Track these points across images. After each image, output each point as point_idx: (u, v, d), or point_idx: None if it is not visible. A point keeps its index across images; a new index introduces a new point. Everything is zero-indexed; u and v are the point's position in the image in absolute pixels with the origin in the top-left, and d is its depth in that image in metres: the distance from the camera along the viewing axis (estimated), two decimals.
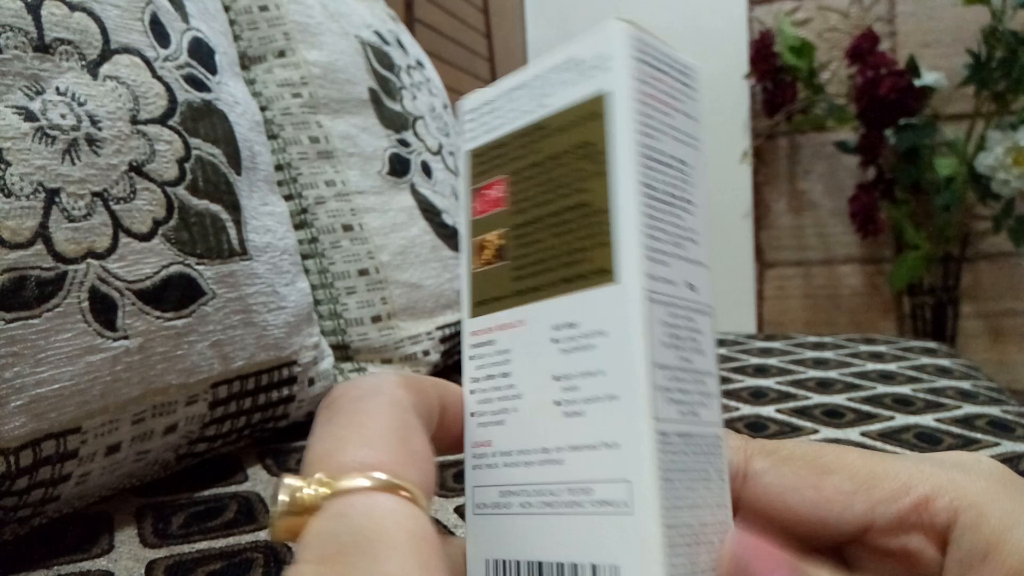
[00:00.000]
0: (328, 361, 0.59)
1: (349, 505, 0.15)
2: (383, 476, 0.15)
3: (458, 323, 0.72)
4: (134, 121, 0.43)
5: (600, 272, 0.18)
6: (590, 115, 0.19)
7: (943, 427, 0.53)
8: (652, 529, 0.16)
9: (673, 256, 0.18)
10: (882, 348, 0.86)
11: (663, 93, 0.19)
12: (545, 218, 0.20)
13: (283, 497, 0.16)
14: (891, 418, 0.56)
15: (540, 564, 0.18)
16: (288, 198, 0.66)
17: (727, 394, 0.66)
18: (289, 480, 0.16)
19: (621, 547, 0.16)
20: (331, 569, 0.14)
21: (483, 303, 0.21)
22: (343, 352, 0.65)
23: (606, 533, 0.17)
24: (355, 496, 0.15)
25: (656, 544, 0.16)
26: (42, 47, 0.39)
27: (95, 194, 0.39)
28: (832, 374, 0.72)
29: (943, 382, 0.68)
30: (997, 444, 0.49)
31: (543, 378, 0.19)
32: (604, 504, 0.17)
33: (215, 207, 0.47)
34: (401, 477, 0.15)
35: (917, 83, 1.51)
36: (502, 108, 0.22)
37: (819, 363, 0.78)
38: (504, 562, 0.19)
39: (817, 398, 0.63)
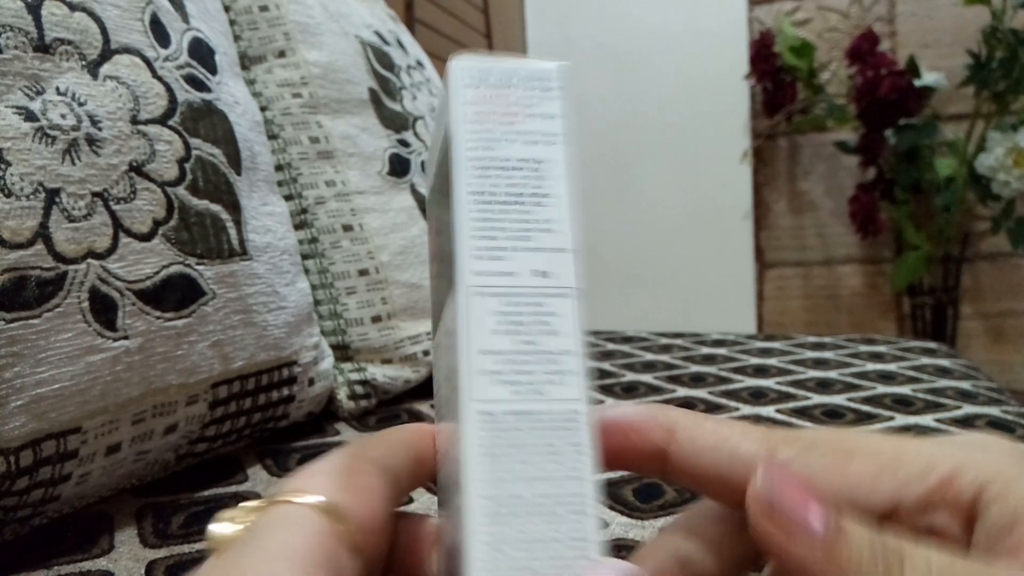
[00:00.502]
0: (328, 361, 0.59)
1: (262, 513, 0.18)
2: (295, 494, 0.18)
3: None
4: (134, 121, 0.43)
5: (451, 281, 0.21)
6: (446, 148, 0.22)
7: (943, 427, 0.53)
8: (469, 502, 0.18)
9: (515, 249, 0.21)
10: (882, 348, 0.86)
11: (506, 106, 0.22)
12: (444, 234, 0.23)
13: (213, 526, 0.19)
14: (891, 418, 0.56)
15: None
16: (288, 198, 0.66)
17: (727, 394, 0.66)
18: (222, 512, 0.19)
19: (460, 523, 0.18)
20: (219, 559, 0.16)
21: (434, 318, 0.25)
22: (343, 352, 0.65)
23: (457, 512, 0.19)
24: (270, 507, 0.18)
25: (471, 514, 0.18)
26: (42, 47, 0.39)
27: (95, 194, 0.39)
28: (832, 374, 0.72)
29: (943, 382, 0.68)
30: None
31: (442, 376, 0.22)
32: (456, 485, 0.19)
33: (215, 207, 0.47)
34: (312, 495, 0.18)
35: (917, 83, 1.51)
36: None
37: (819, 363, 0.78)
38: None
39: (817, 398, 0.63)
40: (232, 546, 0.17)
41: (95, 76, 0.42)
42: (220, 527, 0.19)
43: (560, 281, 0.20)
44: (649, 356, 0.87)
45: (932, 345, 0.88)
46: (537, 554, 0.18)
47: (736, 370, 0.76)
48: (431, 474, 0.22)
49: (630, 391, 0.69)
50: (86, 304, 0.38)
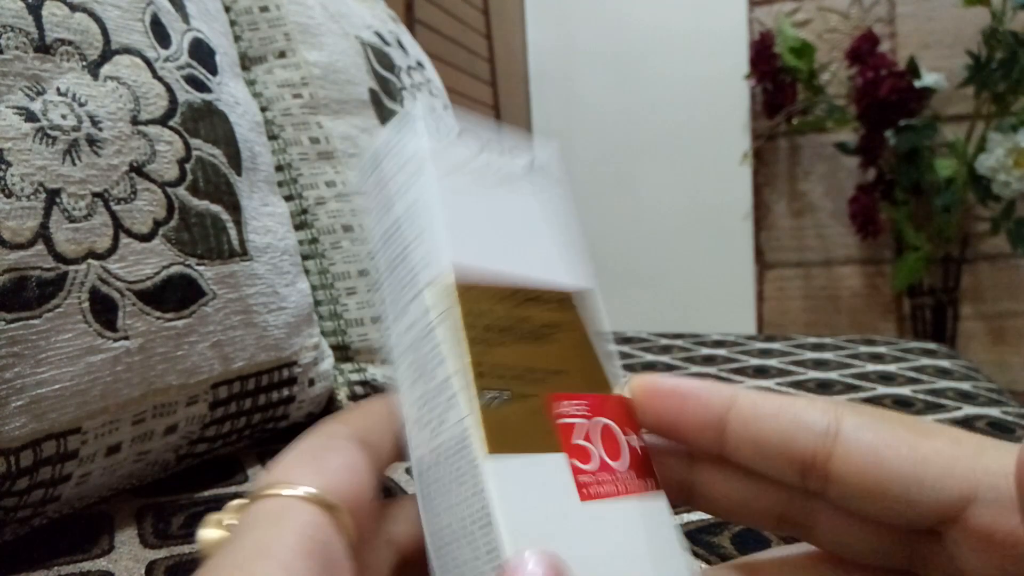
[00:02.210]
0: (328, 362, 0.59)
1: (247, 511, 0.18)
2: (276, 487, 0.18)
3: None
4: (135, 122, 0.43)
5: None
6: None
7: None
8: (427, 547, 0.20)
9: (410, 300, 0.22)
10: (882, 349, 0.86)
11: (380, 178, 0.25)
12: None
13: (201, 531, 0.19)
14: None
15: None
16: (288, 199, 0.66)
17: None
18: (208, 516, 0.20)
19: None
20: (217, 556, 0.16)
21: None
22: (343, 353, 0.65)
23: None
24: (254, 503, 0.18)
25: (427, 549, 0.20)
26: (43, 47, 0.39)
27: (96, 194, 0.39)
28: (832, 375, 0.72)
29: (943, 383, 0.68)
30: None
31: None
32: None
33: (215, 208, 0.47)
34: (290, 485, 0.18)
35: (917, 84, 1.51)
36: None
37: (819, 364, 0.78)
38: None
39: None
40: (223, 548, 0.17)
41: (96, 76, 0.42)
42: (208, 532, 0.19)
43: (438, 309, 0.21)
44: (649, 357, 0.87)
45: (932, 346, 0.88)
46: None
47: (736, 371, 0.76)
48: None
49: None
50: (86, 304, 0.38)
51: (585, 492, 0.19)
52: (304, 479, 0.18)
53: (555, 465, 0.19)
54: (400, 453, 0.22)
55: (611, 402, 0.22)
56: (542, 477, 0.19)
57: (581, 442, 0.20)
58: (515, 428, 0.19)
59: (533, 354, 0.21)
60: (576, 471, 0.20)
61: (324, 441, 0.20)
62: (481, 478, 0.18)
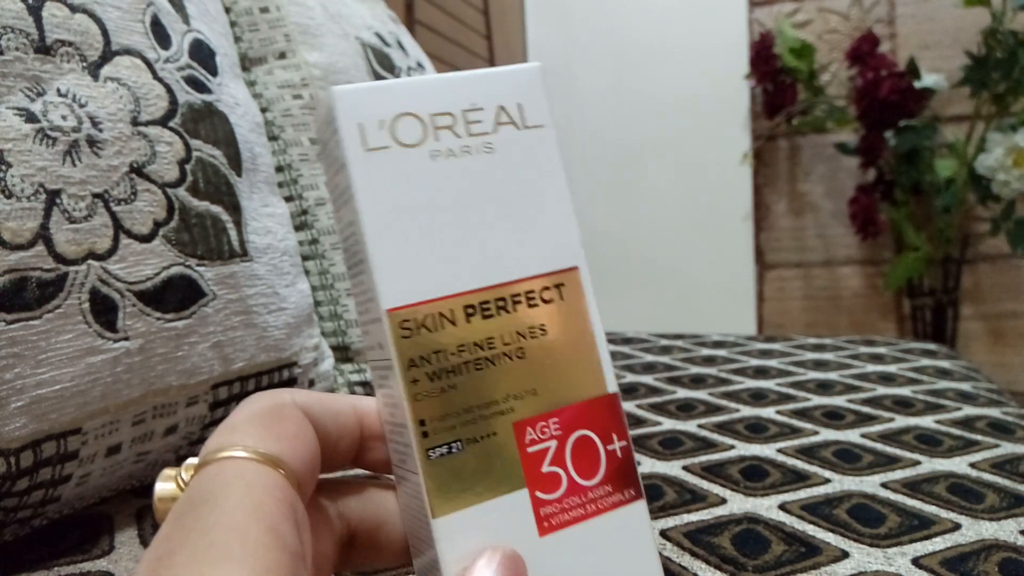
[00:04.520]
0: (328, 362, 0.59)
1: (203, 473, 0.17)
2: (235, 449, 0.18)
3: None
4: (135, 122, 0.43)
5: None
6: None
7: (943, 429, 0.53)
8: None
9: (368, 322, 0.21)
10: (882, 350, 0.86)
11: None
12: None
13: (159, 484, 0.20)
14: (891, 420, 0.56)
15: None
16: (289, 199, 0.66)
17: (727, 396, 0.66)
18: (165, 471, 0.20)
19: None
20: (180, 522, 0.16)
21: None
22: (343, 353, 0.65)
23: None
24: (208, 466, 0.18)
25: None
26: (43, 48, 0.39)
27: (96, 195, 0.39)
28: (832, 376, 0.72)
29: (943, 384, 0.68)
30: (997, 446, 0.49)
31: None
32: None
33: (216, 208, 0.47)
34: (252, 448, 0.18)
35: (917, 85, 1.51)
36: None
37: (819, 365, 0.78)
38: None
39: (817, 400, 0.63)
40: (188, 507, 0.16)
41: (96, 77, 0.42)
42: (167, 485, 0.20)
43: (385, 353, 0.20)
44: (649, 357, 0.87)
45: (932, 346, 0.88)
46: None
47: (736, 371, 0.76)
48: (355, 441, 0.22)
49: (630, 392, 0.69)
50: (87, 305, 0.38)
51: (547, 525, 0.20)
52: (264, 443, 0.18)
53: (512, 505, 0.20)
54: (343, 440, 0.22)
55: (591, 407, 0.21)
56: (496, 523, 0.19)
57: (549, 468, 0.20)
58: (468, 479, 0.19)
59: (493, 384, 0.20)
60: (538, 504, 0.20)
61: (277, 407, 0.19)
62: (432, 536, 0.19)
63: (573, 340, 0.21)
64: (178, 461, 0.47)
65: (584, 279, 0.22)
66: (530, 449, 0.20)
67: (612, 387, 0.21)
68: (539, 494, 0.20)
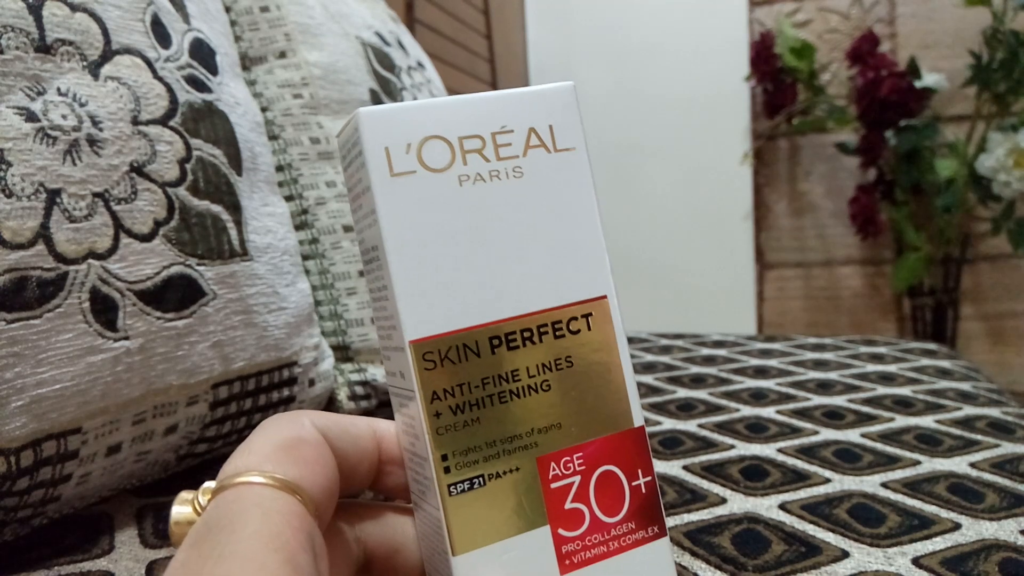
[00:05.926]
0: (329, 362, 0.59)
1: (220, 498, 0.17)
2: (252, 474, 0.18)
3: None
4: (135, 122, 0.43)
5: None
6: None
7: (943, 428, 0.53)
8: None
9: (387, 348, 0.21)
10: (882, 350, 0.86)
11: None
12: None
13: (176, 507, 0.19)
14: (891, 419, 0.56)
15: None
16: (289, 199, 0.66)
17: (728, 396, 0.66)
18: (181, 494, 0.20)
19: None
20: (197, 549, 0.16)
21: None
22: (344, 353, 0.65)
23: None
24: (226, 491, 0.17)
25: None
26: (43, 48, 0.39)
27: (96, 195, 0.39)
28: (832, 375, 0.72)
29: (943, 384, 0.68)
30: (997, 446, 0.49)
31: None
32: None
33: (216, 208, 0.47)
34: (270, 474, 0.18)
35: (917, 84, 1.51)
36: None
37: (819, 364, 0.78)
38: None
39: (817, 399, 0.63)
40: (204, 533, 0.16)
41: (96, 77, 0.42)
42: (183, 509, 0.19)
43: (407, 383, 0.19)
44: (649, 357, 0.87)
45: (932, 346, 0.88)
46: None
47: (736, 371, 0.76)
48: (373, 465, 0.22)
49: None
50: (87, 304, 0.38)
51: (568, 563, 0.19)
52: (282, 468, 0.18)
53: (534, 542, 0.19)
54: (361, 467, 0.21)
55: (616, 442, 0.20)
56: (517, 560, 0.19)
57: (572, 505, 0.20)
58: (488, 516, 0.19)
59: (517, 417, 0.19)
60: (560, 541, 0.19)
61: (296, 431, 0.19)
62: (452, 573, 0.19)
63: (600, 372, 0.21)
64: (178, 461, 0.47)
65: (613, 308, 0.21)
66: (553, 485, 0.20)
67: (639, 420, 0.21)
68: (561, 531, 0.19)
